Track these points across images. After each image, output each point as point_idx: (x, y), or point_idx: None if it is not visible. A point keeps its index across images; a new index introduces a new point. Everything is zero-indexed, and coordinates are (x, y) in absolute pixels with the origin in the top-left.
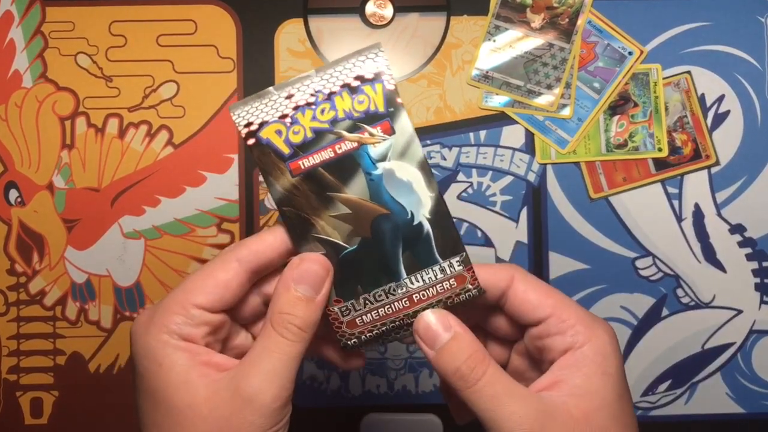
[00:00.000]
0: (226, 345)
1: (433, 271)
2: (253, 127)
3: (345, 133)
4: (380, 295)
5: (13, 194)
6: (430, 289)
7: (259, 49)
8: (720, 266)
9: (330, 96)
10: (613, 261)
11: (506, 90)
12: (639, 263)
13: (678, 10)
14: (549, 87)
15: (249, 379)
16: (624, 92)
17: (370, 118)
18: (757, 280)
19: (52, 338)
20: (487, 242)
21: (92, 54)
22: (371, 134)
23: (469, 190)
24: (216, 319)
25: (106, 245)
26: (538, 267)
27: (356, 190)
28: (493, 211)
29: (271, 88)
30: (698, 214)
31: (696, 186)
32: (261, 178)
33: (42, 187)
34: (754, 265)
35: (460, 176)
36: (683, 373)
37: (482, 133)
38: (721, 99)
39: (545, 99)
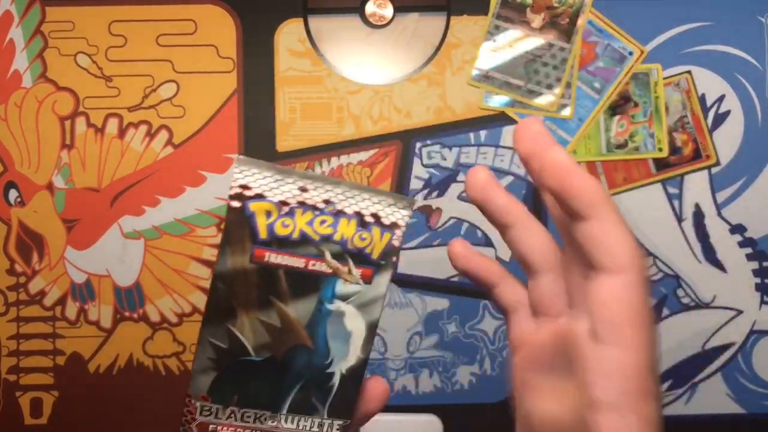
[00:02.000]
0: None
1: (312, 422)
2: (247, 193)
3: (328, 256)
4: (248, 416)
5: (12, 194)
6: None
7: (259, 49)
8: (720, 266)
9: (338, 214)
10: None
11: (506, 90)
12: None
13: (678, 10)
14: (549, 87)
15: None
16: (624, 92)
17: (360, 258)
18: (758, 280)
19: (52, 338)
20: (487, 242)
21: (92, 54)
22: (350, 272)
23: None
24: None
25: (106, 245)
26: None
27: (299, 310)
28: None
29: (293, 170)
30: (698, 215)
31: (696, 186)
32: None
33: (42, 187)
34: (755, 265)
35: (460, 176)
36: (684, 374)
37: (482, 133)
38: (721, 99)
39: (545, 99)
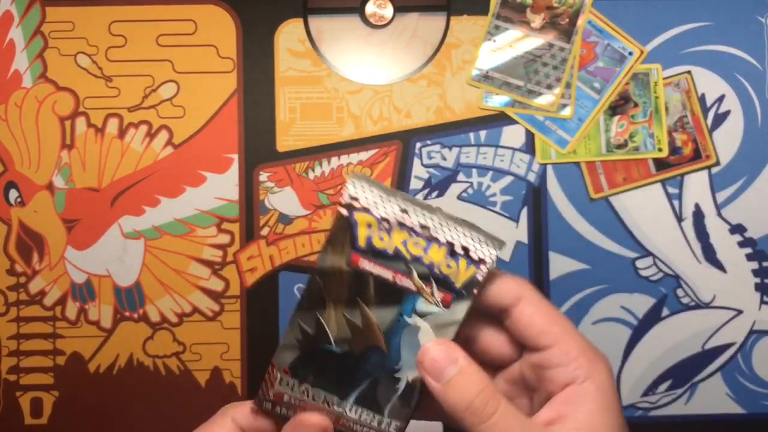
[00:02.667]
0: None
1: (373, 416)
2: (356, 204)
3: (415, 276)
4: (319, 397)
5: (13, 194)
6: (357, 426)
7: (259, 49)
8: (720, 266)
9: (431, 240)
10: (613, 261)
11: (506, 90)
12: (639, 263)
13: (678, 10)
14: (549, 87)
15: None
16: (624, 92)
17: (443, 283)
18: (758, 280)
19: (52, 338)
20: None
21: (92, 54)
22: (432, 293)
23: (469, 190)
24: None
25: (106, 245)
26: (538, 267)
27: (380, 315)
28: (493, 211)
29: (399, 192)
30: (698, 214)
31: (696, 186)
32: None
33: (42, 187)
34: (755, 265)
35: (460, 176)
36: (683, 374)
37: (482, 133)
38: (721, 99)
39: (545, 99)
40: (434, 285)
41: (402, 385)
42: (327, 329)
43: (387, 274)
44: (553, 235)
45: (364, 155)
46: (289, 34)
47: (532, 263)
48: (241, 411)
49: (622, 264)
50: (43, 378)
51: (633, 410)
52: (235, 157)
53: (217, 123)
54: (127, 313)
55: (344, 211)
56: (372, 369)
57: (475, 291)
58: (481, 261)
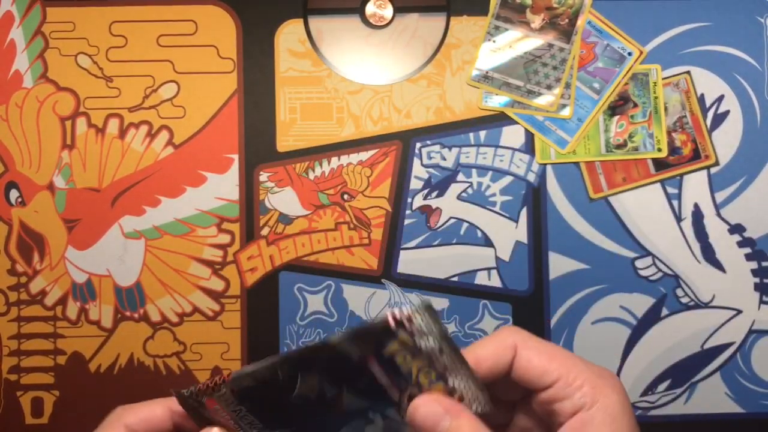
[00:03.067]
0: None
1: None
2: (407, 326)
3: (406, 398)
4: (246, 425)
5: (13, 194)
6: None
7: (259, 49)
8: (719, 266)
9: (441, 378)
10: (613, 261)
11: (506, 90)
12: (638, 263)
13: (678, 10)
14: (549, 87)
15: None
16: (624, 92)
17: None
18: (757, 280)
19: (53, 338)
20: (487, 242)
21: (93, 54)
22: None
23: (469, 190)
24: None
25: (107, 245)
26: (537, 267)
27: (352, 402)
28: (493, 211)
29: (445, 332)
30: (698, 214)
31: (695, 186)
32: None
33: (42, 187)
34: (754, 265)
35: (460, 176)
36: (682, 373)
37: (482, 133)
38: (720, 99)
39: (545, 99)
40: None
41: None
42: (297, 384)
43: (386, 381)
44: (553, 235)
45: (364, 155)
46: (289, 35)
47: (532, 263)
48: (136, 415)
49: (622, 264)
50: (44, 378)
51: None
52: (236, 157)
53: (217, 123)
54: (127, 313)
55: (393, 324)
56: (312, 425)
57: None
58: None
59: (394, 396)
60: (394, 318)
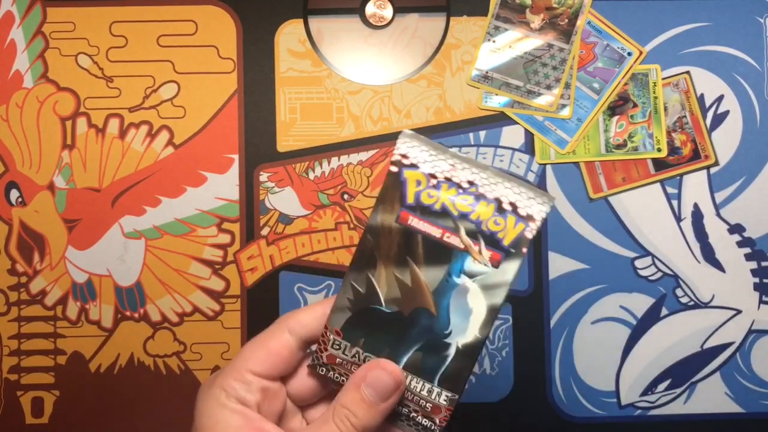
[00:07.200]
0: (281, 423)
1: (422, 384)
2: (405, 162)
3: (463, 233)
4: (369, 360)
5: (14, 194)
6: (408, 393)
7: (259, 50)
8: (719, 266)
9: (479, 197)
10: (613, 261)
11: (506, 90)
12: (638, 263)
13: (677, 10)
14: (548, 87)
15: None
16: (623, 93)
17: (492, 241)
18: (756, 279)
19: (53, 338)
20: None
21: (93, 54)
22: (480, 252)
23: None
24: (271, 387)
25: (107, 245)
26: (537, 267)
27: (429, 276)
28: None
29: (448, 149)
30: (697, 214)
31: (695, 186)
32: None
33: (43, 187)
34: (753, 265)
35: None
36: (682, 373)
37: (482, 134)
38: (720, 99)
39: (545, 99)
40: (482, 243)
41: (452, 352)
42: (377, 288)
43: (435, 231)
44: (553, 235)
45: (364, 155)
46: (289, 35)
47: (532, 263)
48: (297, 320)
49: (622, 264)
50: (44, 377)
51: (632, 410)
52: (236, 157)
53: (217, 123)
54: (127, 313)
55: (394, 168)
56: (422, 333)
57: (524, 249)
58: (530, 218)
59: (456, 243)
60: (391, 162)
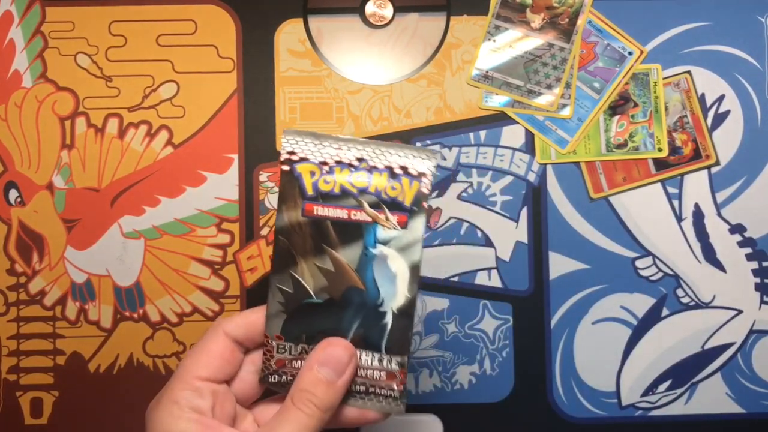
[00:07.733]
0: (234, 426)
1: (372, 356)
2: (294, 158)
3: (366, 205)
4: None
5: (12, 194)
6: (360, 369)
7: (259, 49)
8: (720, 266)
9: (371, 170)
10: (613, 261)
11: (506, 90)
12: (639, 263)
13: (678, 10)
14: (549, 87)
15: None
16: (624, 92)
17: (394, 205)
18: (757, 280)
19: (52, 338)
20: (487, 242)
21: (92, 54)
22: (387, 218)
23: (469, 190)
24: (219, 390)
25: (106, 245)
26: (538, 267)
27: (348, 255)
28: (493, 211)
29: (328, 135)
30: (698, 214)
31: (696, 186)
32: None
33: (42, 187)
34: (754, 265)
35: (460, 176)
36: (683, 373)
37: (482, 133)
38: (721, 99)
39: (545, 99)
40: (386, 210)
41: (389, 318)
42: (304, 283)
43: (341, 213)
44: (553, 234)
45: None
46: (289, 34)
47: (532, 263)
48: (231, 322)
49: (622, 264)
50: (43, 378)
51: (633, 410)
52: (235, 157)
53: (217, 123)
54: (127, 313)
55: (286, 167)
56: (357, 309)
57: (425, 204)
58: (421, 174)
59: (364, 218)
60: (281, 162)
